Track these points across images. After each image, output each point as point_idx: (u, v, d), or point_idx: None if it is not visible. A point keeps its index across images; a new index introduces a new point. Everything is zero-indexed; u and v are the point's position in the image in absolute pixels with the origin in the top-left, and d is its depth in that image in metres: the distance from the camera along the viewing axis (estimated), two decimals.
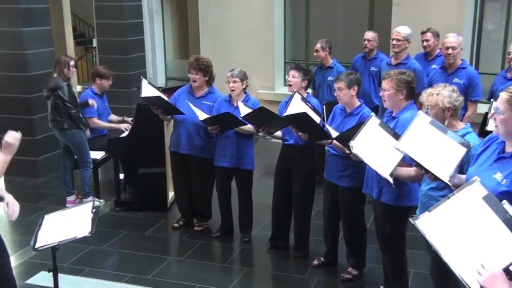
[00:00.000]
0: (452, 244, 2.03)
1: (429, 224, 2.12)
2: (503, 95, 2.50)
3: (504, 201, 2.26)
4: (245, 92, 4.82)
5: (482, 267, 1.93)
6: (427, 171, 2.74)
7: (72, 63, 5.58)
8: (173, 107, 4.90)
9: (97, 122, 5.91)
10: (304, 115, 3.97)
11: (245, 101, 4.74)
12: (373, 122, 3.36)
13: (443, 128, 2.85)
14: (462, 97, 3.17)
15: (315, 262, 4.54)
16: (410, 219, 2.17)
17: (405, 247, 3.86)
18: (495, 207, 2.04)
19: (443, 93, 3.09)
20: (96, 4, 8.02)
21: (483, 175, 2.57)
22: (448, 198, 2.11)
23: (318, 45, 6.11)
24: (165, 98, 4.98)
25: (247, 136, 4.80)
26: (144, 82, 5.03)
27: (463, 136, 3.04)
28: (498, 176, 2.51)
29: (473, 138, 3.07)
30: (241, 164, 4.82)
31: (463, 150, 2.74)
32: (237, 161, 4.80)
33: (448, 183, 2.70)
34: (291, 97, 4.27)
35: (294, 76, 4.45)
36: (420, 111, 3.06)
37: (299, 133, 4.19)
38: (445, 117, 3.09)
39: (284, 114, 4.17)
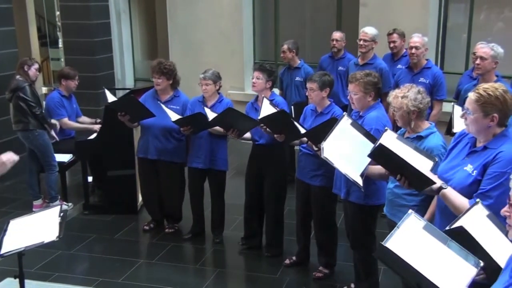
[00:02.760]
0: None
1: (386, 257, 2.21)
2: (471, 96, 2.58)
3: (478, 200, 2.38)
4: (218, 93, 4.81)
5: None
6: (400, 179, 2.77)
7: (35, 66, 5.49)
8: (144, 108, 4.77)
9: (68, 123, 5.81)
10: (282, 113, 3.98)
11: (219, 102, 4.74)
12: (345, 121, 3.40)
13: (409, 143, 2.94)
14: (428, 98, 3.22)
15: (287, 261, 4.56)
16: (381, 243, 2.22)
17: (375, 245, 3.91)
18: (436, 235, 2.20)
19: (408, 96, 3.13)
20: (61, 4, 7.87)
21: (455, 169, 2.65)
22: (393, 233, 2.22)
23: (285, 46, 6.13)
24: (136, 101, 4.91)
25: (221, 137, 4.78)
26: (108, 93, 5.00)
27: (427, 136, 3.11)
28: (469, 168, 2.59)
29: (437, 138, 3.15)
30: (215, 165, 4.80)
31: (430, 163, 2.81)
32: (211, 161, 4.78)
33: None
34: (261, 102, 4.28)
35: (259, 78, 4.46)
36: (386, 127, 3.12)
37: (275, 135, 4.19)
38: (410, 119, 3.15)
39: (259, 117, 4.16)
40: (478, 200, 2.39)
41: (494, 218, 2.32)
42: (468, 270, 2.09)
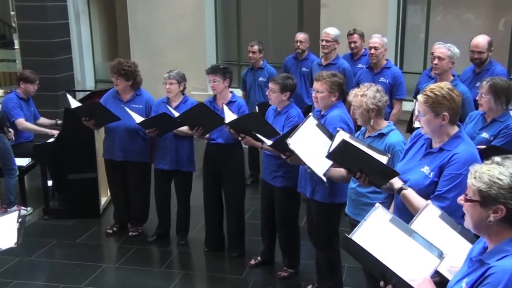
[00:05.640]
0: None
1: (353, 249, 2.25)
2: (420, 98, 2.65)
3: (429, 201, 2.46)
4: (183, 94, 4.77)
5: (410, 280, 2.06)
6: (359, 177, 2.82)
7: None
8: (109, 113, 4.67)
9: (24, 123, 5.65)
10: (256, 114, 4.03)
11: (183, 103, 4.71)
12: (311, 122, 3.44)
13: (362, 142, 3.01)
14: (386, 96, 3.31)
15: (252, 261, 4.57)
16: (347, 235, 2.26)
17: (338, 243, 3.96)
18: (401, 227, 2.26)
19: (367, 94, 3.21)
20: (17, 4, 7.66)
21: (412, 170, 2.71)
22: (360, 225, 2.28)
23: (256, 47, 6.12)
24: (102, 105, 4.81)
25: (187, 138, 4.74)
26: (69, 98, 4.92)
27: (387, 133, 3.18)
28: (426, 169, 2.65)
29: (398, 135, 3.23)
30: (181, 166, 4.76)
31: (385, 159, 2.87)
32: (177, 163, 4.74)
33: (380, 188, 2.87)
34: (220, 103, 4.32)
35: (216, 81, 4.44)
36: (339, 128, 3.20)
37: (240, 136, 4.16)
38: (370, 117, 3.22)
39: (228, 121, 4.15)
40: (428, 201, 2.47)
41: (447, 217, 2.40)
42: (432, 261, 2.15)
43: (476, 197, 1.78)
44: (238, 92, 6.07)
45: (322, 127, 3.44)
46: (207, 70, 4.56)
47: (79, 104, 4.90)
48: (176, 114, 4.45)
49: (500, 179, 1.73)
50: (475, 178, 1.78)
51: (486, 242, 1.84)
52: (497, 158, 1.80)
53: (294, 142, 3.31)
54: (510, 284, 1.67)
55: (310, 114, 3.55)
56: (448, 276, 2.12)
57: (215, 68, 4.51)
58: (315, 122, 3.43)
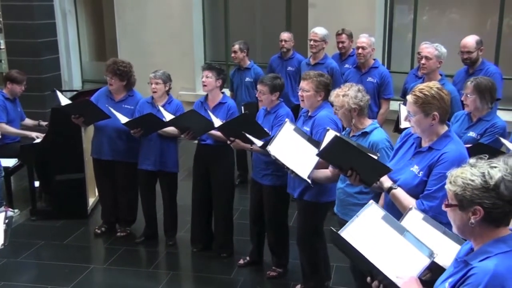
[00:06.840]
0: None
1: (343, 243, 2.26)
2: (409, 98, 2.66)
3: (411, 206, 2.51)
4: (168, 94, 4.76)
5: (397, 278, 2.07)
6: (351, 174, 2.83)
7: None
8: (100, 111, 4.64)
9: (4, 127, 5.59)
10: (247, 116, 4.05)
11: (168, 103, 4.70)
12: (288, 127, 3.45)
13: (352, 141, 3.02)
14: (368, 96, 3.31)
15: (241, 261, 4.57)
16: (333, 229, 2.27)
17: (319, 243, 3.96)
18: (393, 225, 2.29)
19: (348, 94, 3.22)
20: (3, 3, 7.59)
21: (402, 169, 2.72)
22: (352, 221, 2.30)
23: (236, 46, 6.14)
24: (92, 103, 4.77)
25: (171, 139, 4.73)
26: (59, 94, 4.88)
27: (371, 131, 3.20)
28: (415, 168, 2.67)
29: (381, 133, 3.25)
30: (165, 167, 4.75)
31: (375, 157, 2.88)
32: (161, 164, 4.73)
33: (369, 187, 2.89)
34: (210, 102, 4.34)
35: (208, 76, 4.45)
36: (328, 127, 3.21)
37: (229, 140, 4.17)
38: (352, 116, 3.23)
39: (218, 126, 4.16)
40: (411, 206, 2.50)
41: (430, 220, 2.42)
42: (421, 260, 2.16)
43: (454, 201, 1.80)
44: (227, 92, 6.07)
45: (300, 131, 3.48)
46: (203, 66, 4.62)
47: (69, 101, 4.85)
48: (167, 115, 4.43)
49: (472, 180, 1.75)
50: (450, 182, 1.81)
51: (472, 244, 1.86)
52: (472, 160, 1.82)
53: (274, 149, 3.33)
54: (490, 285, 1.68)
55: (286, 119, 3.60)
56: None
57: (211, 66, 4.58)
58: (292, 126, 3.47)
